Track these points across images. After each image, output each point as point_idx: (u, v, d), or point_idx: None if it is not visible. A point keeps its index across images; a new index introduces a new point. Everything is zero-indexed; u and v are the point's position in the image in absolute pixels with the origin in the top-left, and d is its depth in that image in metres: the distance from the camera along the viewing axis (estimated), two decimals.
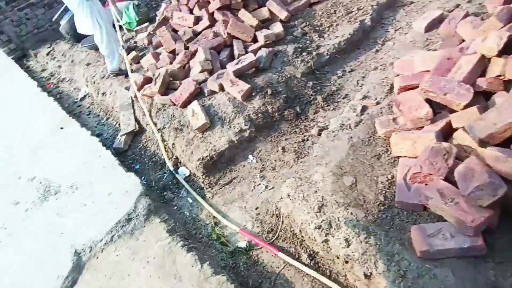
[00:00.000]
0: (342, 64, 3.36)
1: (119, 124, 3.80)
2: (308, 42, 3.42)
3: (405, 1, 3.74)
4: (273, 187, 2.44)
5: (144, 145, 3.33)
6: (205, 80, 3.18)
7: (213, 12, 3.66)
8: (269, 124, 2.88)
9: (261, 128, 2.85)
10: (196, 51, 3.43)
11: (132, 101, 3.76)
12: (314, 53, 3.28)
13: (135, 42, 5.20)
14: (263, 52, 3.22)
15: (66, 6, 4.62)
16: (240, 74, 3.07)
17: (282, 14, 3.63)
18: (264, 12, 3.64)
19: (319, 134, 2.65)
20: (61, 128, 3.69)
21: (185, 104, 3.10)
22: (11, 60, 6.38)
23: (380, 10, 3.68)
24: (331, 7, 3.79)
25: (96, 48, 5.34)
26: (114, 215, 2.36)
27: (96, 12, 3.60)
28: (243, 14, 3.57)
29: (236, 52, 3.28)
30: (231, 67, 3.06)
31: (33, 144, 3.60)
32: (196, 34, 3.69)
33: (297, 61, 3.22)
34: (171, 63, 3.59)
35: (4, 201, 2.94)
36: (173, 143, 2.98)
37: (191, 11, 3.96)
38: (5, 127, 4.16)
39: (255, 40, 3.47)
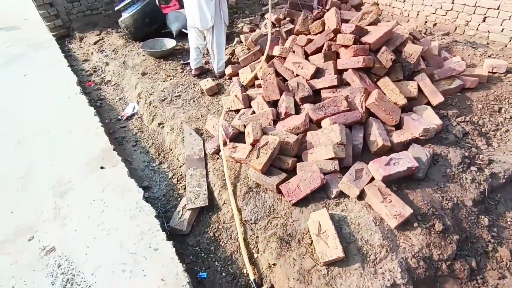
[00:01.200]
0: None
1: (177, 180, 2.78)
2: (473, 149, 2.44)
3: None
4: None
5: (216, 234, 2.28)
6: (332, 172, 2.18)
7: (343, 69, 2.72)
8: (430, 280, 1.85)
9: (418, 283, 1.82)
10: (319, 120, 2.45)
11: (205, 155, 2.75)
12: (487, 172, 2.29)
13: (207, 63, 4.27)
14: (420, 153, 2.24)
15: None
16: (389, 180, 2.08)
17: (436, 99, 2.67)
18: (410, 88, 2.67)
19: None
20: (101, 167, 2.67)
21: (298, 201, 2.09)
22: (53, 38, 5.46)
23: None
24: (493, 101, 2.83)
25: (157, 56, 4.41)
26: None
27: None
28: (386, 83, 2.61)
29: (376, 139, 2.30)
30: (379, 167, 2.06)
31: (61, 181, 2.57)
32: (313, 91, 2.73)
33: (466, 178, 2.23)
34: (274, 122, 2.61)
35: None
36: (273, 264, 1.94)
37: (307, 56, 3.02)
38: (31, 141, 3.14)
39: (398, 125, 2.50)
